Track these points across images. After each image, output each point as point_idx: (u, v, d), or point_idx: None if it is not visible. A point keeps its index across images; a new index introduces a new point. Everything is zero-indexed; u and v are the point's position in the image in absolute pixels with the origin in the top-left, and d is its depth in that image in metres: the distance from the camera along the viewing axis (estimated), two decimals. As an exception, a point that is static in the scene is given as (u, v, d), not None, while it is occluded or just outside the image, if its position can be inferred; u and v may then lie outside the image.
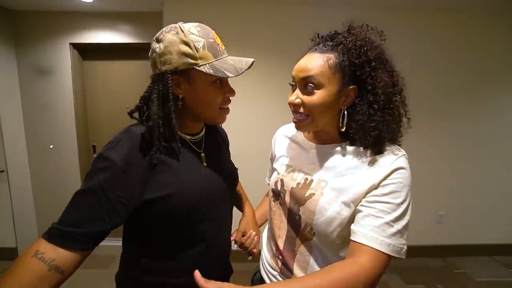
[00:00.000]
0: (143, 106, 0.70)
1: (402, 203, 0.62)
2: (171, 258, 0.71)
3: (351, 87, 0.65)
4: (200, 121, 0.78)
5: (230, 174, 0.85)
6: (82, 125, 2.63)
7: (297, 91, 0.68)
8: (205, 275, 0.73)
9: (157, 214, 0.66)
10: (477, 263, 2.51)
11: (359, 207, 0.64)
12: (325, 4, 2.22)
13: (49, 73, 2.48)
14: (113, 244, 2.72)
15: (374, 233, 0.60)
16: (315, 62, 0.65)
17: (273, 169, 0.86)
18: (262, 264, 0.89)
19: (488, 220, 2.61)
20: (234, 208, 0.95)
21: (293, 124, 0.83)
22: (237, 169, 0.92)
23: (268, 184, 0.97)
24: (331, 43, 0.67)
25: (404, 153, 0.67)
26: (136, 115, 0.73)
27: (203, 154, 0.77)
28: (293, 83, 0.71)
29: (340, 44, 0.65)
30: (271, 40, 2.26)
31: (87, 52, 2.59)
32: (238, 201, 1.00)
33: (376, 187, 0.63)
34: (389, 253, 0.59)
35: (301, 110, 0.68)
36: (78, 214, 0.60)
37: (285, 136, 0.88)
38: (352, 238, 0.62)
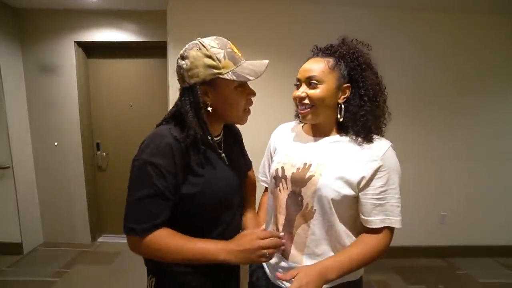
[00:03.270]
0: (177, 117, 0.78)
1: (397, 185, 0.78)
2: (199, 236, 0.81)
3: (345, 85, 0.81)
4: (224, 123, 0.87)
5: (243, 170, 0.98)
6: (87, 122, 2.65)
7: (303, 87, 0.83)
8: None
9: (190, 206, 0.77)
10: (479, 264, 2.50)
11: (365, 200, 0.77)
12: (334, 2, 2.22)
13: (54, 71, 2.50)
14: (117, 240, 2.76)
15: (387, 216, 0.77)
16: (317, 64, 0.81)
17: (273, 160, 0.95)
18: None
19: (490, 221, 2.60)
20: None
21: (291, 123, 1.01)
22: (251, 162, 1.07)
23: (263, 181, 1.07)
24: (329, 51, 0.83)
25: (390, 143, 0.81)
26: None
27: (223, 155, 0.87)
28: (297, 83, 0.86)
29: (336, 52, 0.82)
30: (275, 39, 2.26)
31: (91, 50, 2.61)
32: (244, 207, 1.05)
33: (372, 177, 0.76)
34: (400, 226, 0.78)
35: (306, 101, 0.82)
36: (150, 212, 0.72)
37: (285, 131, 1.00)
38: (369, 226, 0.78)
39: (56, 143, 2.57)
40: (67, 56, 2.48)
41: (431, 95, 2.42)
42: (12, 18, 2.38)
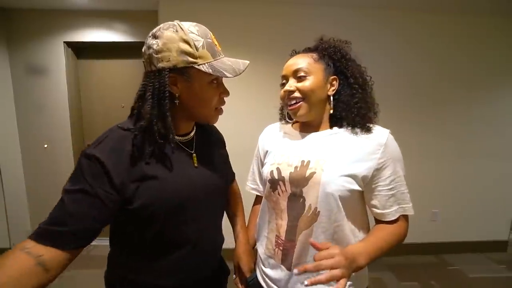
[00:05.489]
0: (139, 105, 0.67)
1: (402, 172, 0.75)
2: (156, 259, 0.70)
3: (332, 77, 0.79)
4: (192, 120, 0.77)
5: (221, 175, 0.82)
6: (77, 124, 2.61)
7: (291, 82, 0.79)
8: (194, 275, 0.75)
9: (139, 214, 0.64)
10: (470, 259, 2.55)
11: (377, 192, 0.74)
12: (320, 3, 2.23)
13: (43, 72, 2.45)
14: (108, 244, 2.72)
15: (399, 205, 0.75)
16: (302, 58, 0.80)
17: (265, 163, 0.88)
18: (257, 265, 0.89)
19: (481, 218, 2.65)
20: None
21: (278, 123, 0.95)
22: (234, 173, 0.98)
23: (253, 189, 0.99)
24: (310, 49, 0.83)
25: (388, 130, 0.77)
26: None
27: (194, 155, 0.75)
28: (283, 81, 0.82)
29: (318, 47, 0.82)
30: (266, 40, 2.26)
31: (81, 50, 2.57)
32: (233, 224, 0.97)
33: (379, 168, 0.72)
34: (413, 212, 0.77)
35: (296, 95, 0.78)
36: (66, 212, 0.58)
37: (274, 132, 0.93)
38: (386, 219, 0.75)
39: (46, 145, 2.53)
40: (56, 57, 2.44)
41: (423, 94, 2.46)
42: (-1, 18, 2.33)
